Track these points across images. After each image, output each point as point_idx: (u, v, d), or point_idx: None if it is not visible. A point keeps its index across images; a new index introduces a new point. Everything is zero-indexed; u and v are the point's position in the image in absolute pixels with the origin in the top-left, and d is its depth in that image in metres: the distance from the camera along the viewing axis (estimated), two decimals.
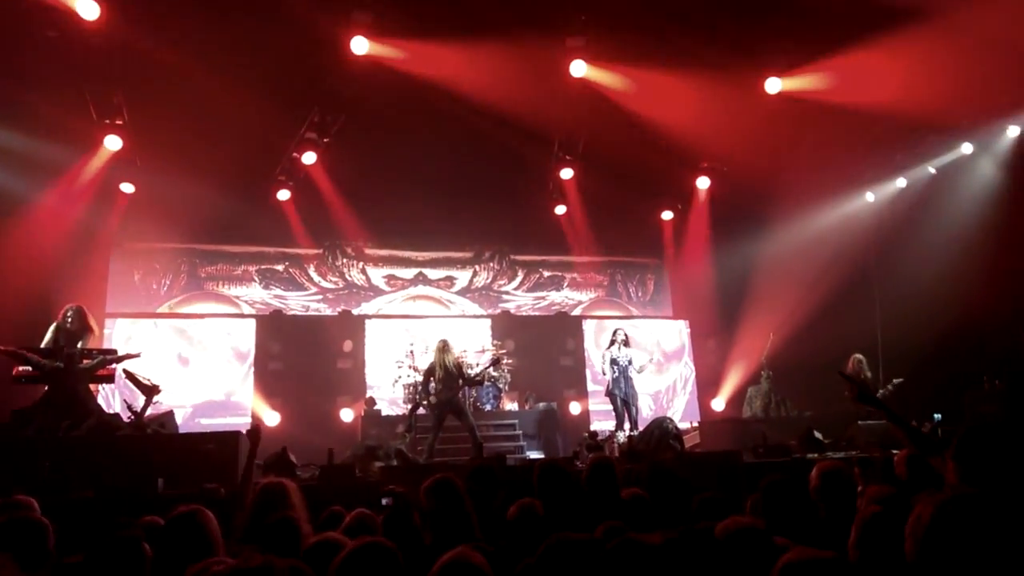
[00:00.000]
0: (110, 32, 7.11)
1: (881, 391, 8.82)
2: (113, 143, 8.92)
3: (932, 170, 10.65)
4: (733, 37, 7.97)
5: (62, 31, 7.16)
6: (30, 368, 7.04)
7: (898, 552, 2.00)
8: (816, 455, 7.10)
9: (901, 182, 10.96)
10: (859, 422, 8.28)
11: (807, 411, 9.99)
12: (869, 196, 11.23)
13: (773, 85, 8.72)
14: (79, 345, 7.34)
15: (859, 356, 9.28)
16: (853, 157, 10.31)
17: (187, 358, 11.12)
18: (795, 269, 11.17)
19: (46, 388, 7.04)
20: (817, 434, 7.86)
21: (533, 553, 1.94)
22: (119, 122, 8.74)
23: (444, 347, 8.32)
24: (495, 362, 10.07)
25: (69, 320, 7.41)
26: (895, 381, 9.04)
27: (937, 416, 8.44)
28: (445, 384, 8.08)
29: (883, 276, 10.69)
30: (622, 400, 9.26)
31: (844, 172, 10.63)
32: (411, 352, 10.91)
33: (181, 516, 2.50)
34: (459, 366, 8.37)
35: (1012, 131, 9.65)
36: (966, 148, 10.09)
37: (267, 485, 3.25)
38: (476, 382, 8.96)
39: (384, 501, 3.31)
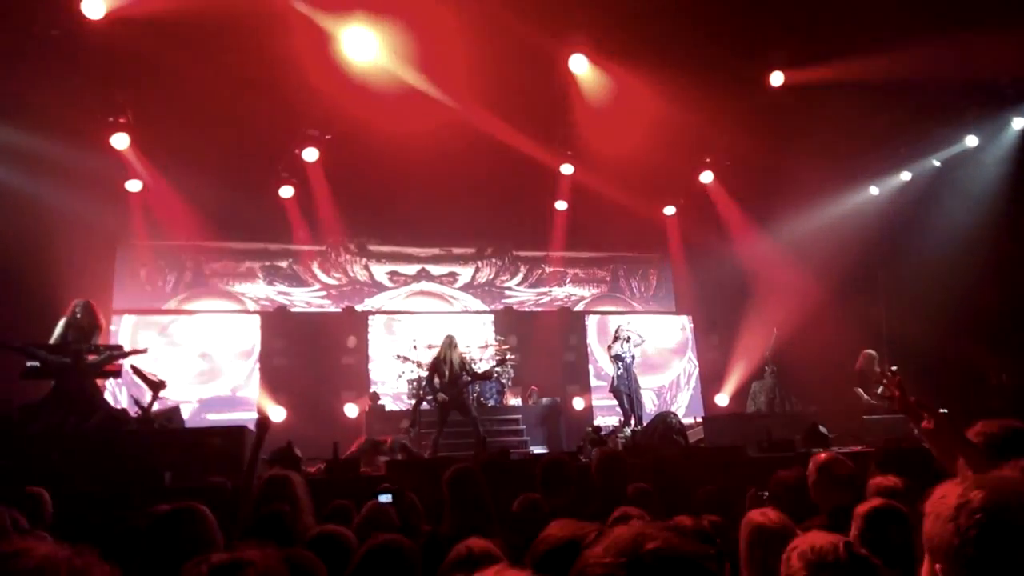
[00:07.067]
0: (114, 30, 7.11)
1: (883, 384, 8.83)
2: (119, 141, 8.95)
3: (937, 163, 10.61)
4: (736, 29, 7.93)
5: (65, 29, 7.16)
6: (37, 364, 7.09)
7: (900, 541, 2.03)
8: (821, 450, 7.09)
9: (905, 175, 10.91)
10: (864, 416, 8.27)
11: (812, 406, 9.97)
12: (873, 190, 11.18)
13: (777, 78, 8.68)
14: (92, 341, 7.40)
15: (871, 352, 9.28)
16: (857, 151, 10.26)
17: (193, 354, 11.17)
18: (799, 263, 11.14)
19: (53, 384, 7.09)
20: (823, 429, 7.84)
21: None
22: (123, 120, 8.77)
23: (451, 343, 8.33)
24: (501, 361, 10.10)
25: (78, 314, 7.47)
26: (892, 369, 9.06)
27: (943, 411, 8.42)
28: (450, 380, 8.09)
29: (888, 270, 10.65)
30: (627, 396, 9.27)
31: (848, 166, 10.59)
32: (415, 347, 10.94)
33: (174, 513, 2.42)
34: (463, 363, 8.39)
35: (1017, 123, 9.59)
36: (971, 141, 10.04)
37: (271, 477, 3.26)
38: (484, 376, 8.99)
39: (382, 498, 3.33)
